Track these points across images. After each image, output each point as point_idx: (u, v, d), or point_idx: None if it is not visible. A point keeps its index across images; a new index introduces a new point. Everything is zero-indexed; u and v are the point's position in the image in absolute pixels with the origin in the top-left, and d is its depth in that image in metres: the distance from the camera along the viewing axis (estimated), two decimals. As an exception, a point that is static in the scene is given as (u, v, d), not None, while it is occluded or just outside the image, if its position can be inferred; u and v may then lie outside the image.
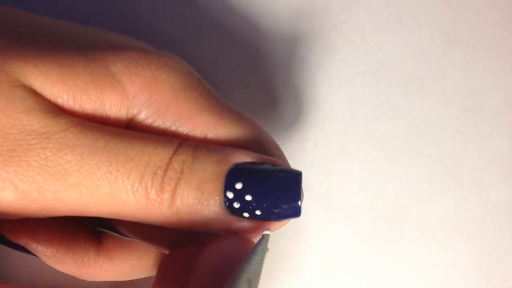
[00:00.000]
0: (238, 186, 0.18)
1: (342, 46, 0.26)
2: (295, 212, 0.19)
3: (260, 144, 0.20)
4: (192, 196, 0.18)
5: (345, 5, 0.26)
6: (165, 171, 0.18)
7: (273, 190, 0.18)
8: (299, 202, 0.19)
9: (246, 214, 0.18)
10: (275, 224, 0.19)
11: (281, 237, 0.25)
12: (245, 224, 0.19)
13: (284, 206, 0.18)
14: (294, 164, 0.26)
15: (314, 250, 0.26)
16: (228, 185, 0.18)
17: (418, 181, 0.26)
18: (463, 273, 0.26)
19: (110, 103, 0.19)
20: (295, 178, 0.19)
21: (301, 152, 0.26)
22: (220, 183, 0.18)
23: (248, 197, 0.18)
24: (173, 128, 0.20)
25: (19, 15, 0.21)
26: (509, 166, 0.26)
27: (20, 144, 0.18)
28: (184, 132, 0.20)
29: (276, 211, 0.19)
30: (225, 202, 0.18)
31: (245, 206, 0.18)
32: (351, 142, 0.26)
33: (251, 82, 0.26)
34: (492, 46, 0.26)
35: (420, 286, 0.26)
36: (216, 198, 0.18)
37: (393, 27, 0.26)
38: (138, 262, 0.22)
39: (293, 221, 0.20)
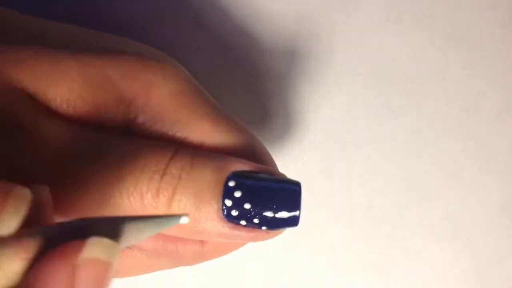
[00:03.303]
0: (237, 194, 0.18)
1: (342, 46, 0.26)
2: (293, 221, 0.19)
3: (254, 153, 0.20)
4: (190, 202, 0.18)
5: (345, 5, 0.26)
6: (162, 176, 0.18)
7: (272, 199, 0.18)
8: (298, 212, 0.19)
9: (243, 222, 0.18)
10: (271, 233, 0.19)
11: (281, 237, 0.25)
12: (242, 232, 0.19)
13: (283, 215, 0.18)
14: (294, 165, 0.26)
15: (314, 250, 0.26)
16: (227, 193, 0.18)
17: (418, 181, 0.26)
18: (463, 273, 0.26)
19: (105, 108, 0.19)
20: (295, 187, 0.19)
21: (301, 152, 0.26)
22: (218, 190, 0.18)
23: (247, 205, 0.18)
24: (170, 134, 0.19)
25: (15, 17, 0.21)
26: (509, 166, 0.26)
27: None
28: (181, 138, 0.19)
29: (274, 219, 0.18)
30: (223, 210, 0.18)
31: (244, 214, 0.18)
32: (351, 142, 0.26)
33: (251, 82, 0.26)
34: (492, 46, 0.26)
35: (420, 286, 0.26)
36: (214, 205, 0.18)
37: (393, 27, 0.26)
38: (130, 261, 0.22)
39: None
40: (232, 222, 0.18)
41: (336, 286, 0.26)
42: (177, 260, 0.21)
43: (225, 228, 0.18)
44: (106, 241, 0.13)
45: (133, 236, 0.14)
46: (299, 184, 0.19)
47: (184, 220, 0.15)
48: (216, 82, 0.26)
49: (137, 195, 0.18)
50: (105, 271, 0.14)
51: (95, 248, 0.13)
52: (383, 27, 0.26)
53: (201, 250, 0.20)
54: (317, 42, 0.26)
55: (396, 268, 0.26)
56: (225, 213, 0.18)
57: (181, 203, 0.18)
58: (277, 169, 0.21)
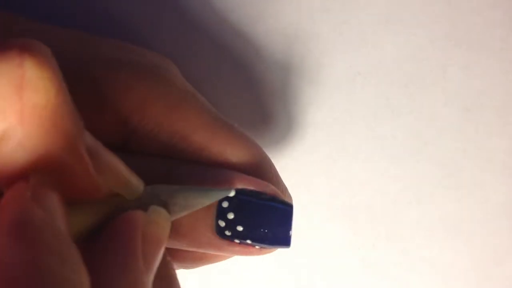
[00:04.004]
0: (230, 216, 0.19)
1: (342, 46, 0.26)
2: (285, 242, 0.19)
3: (252, 161, 0.20)
4: (185, 222, 0.18)
5: (345, 5, 0.26)
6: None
7: (264, 222, 0.19)
8: (290, 233, 0.19)
9: (237, 240, 0.19)
10: (264, 250, 0.20)
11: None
12: (236, 248, 0.19)
13: (275, 237, 0.19)
14: (294, 165, 0.26)
15: (314, 250, 0.26)
16: (220, 214, 0.19)
17: (418, 181, 0.26)
18: (463, 273, 0.26)
19: (102, 127, 0.19)
20: (286, 210, 0.19)
21: (301, 152, 0.26)
22: (212, 211, 0.19)
23: (239, 228, 0.19)
24: (168, 147, 0.19)
25: (13, 22, 0.20)
26: (509, 166, 0.26)
27: None
28: (180, 151, 0.20)
29: (266, 240, 0.19)
30: (217, 229, 0.19)
31: (236, 234, 0.19)
32: (351, 142, 0.26)
33: (250, 82, 0.26)
34: (492, 46, 0.26)
35: (420, 286, 0.26)
36: (209, 224, 0.19)
37: (393, 27, 0.26)
38: None
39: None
40: (227, 239, 0.19)
41: (336, 286, 0.26)
42: (178, 263, 0.21)
43: (220, 244, 0.19)
44: (161, 209, 0.17)
45: (183, 206, 0.17)
46: (291, 205, 0.20)
47: (232, 193, 0.18)
48: (215, 83, 0.26)
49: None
50: (164, 232, 0.16)
51: (155, 214, 0.16)
52: (383, 27, 0.26)
53: (202, 255, 0.21)
54: (316, 42, 0.26)
55: (396, 268, 0.26)
56: (218, 232, 0.19)
57: (176, 222, 0.18)
58: (276, 174, 0.21)
